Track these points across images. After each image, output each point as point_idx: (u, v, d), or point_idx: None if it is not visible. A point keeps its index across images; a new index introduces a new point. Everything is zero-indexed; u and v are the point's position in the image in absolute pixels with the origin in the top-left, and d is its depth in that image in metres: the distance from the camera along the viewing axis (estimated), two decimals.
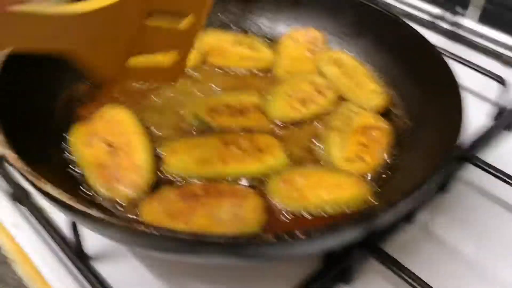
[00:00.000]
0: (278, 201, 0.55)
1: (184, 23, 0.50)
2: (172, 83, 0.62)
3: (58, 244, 0.57)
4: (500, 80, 0.80)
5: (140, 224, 0.39)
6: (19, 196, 0.62)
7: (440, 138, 0.55)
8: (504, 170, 0.65)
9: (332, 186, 0.56)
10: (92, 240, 0.56)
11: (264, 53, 0.78)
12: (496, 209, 0.66)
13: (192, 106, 0.67)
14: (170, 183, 0.57)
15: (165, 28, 0.50)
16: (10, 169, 0.65)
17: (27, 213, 0.61)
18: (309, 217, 0.55)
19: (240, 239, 0.39)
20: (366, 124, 0.65)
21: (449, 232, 0.62)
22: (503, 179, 0.64)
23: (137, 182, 0.56)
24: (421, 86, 0.67)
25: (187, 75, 0.74)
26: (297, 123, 0.67)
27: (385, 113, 0.69)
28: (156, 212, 0.51)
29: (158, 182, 0.57)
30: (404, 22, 0.74)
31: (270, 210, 0.55)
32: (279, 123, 0.66)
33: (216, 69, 0.76)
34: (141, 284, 0.55)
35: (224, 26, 0.83)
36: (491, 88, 0.81)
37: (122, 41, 0.47)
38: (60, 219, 0.59)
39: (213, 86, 0.73)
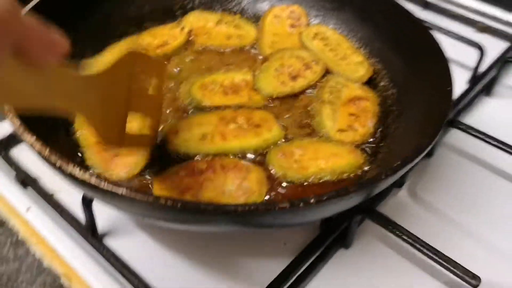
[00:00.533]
0: (279, 173, 0.58)
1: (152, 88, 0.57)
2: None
3: (71, 224, 0.59)
4: (477, 46, 0.83)
5: (165, 199, 0.41)
6: (29, 181, 0.63)
7: (430, 105, 0.58)
8: (485, 132, 0.69)
9: (329, 155, 0.59)
10: (103, 218, 0.59)
11: (248, 31, 0.80)
12: (478, 170, 0.70)
13: (185, 86, 0.68)
14: (176, 161, 0.59)
15: (142, 90, 0.56)
16: (18, 157, 0.66)
17: (37, 197, 0.62)
18: (309, 185, 0.58)
19: (258, 207, 0.41)
20: (354, 96, 0.68)
21: (435, 194, 0.66)
22: (486, 140, 0.69)
23: (131, 164, 0.58)
24: (404, 55, 0.70)
25: (177, 56, 0.76)
26: (288, 97, 0.69)
27: (371, 84, 0.72)
28: (167, 188, 0.54)
29: (166, 160, 0.59)
30: None
31: (272, 181, 0.58)
32: (270, 98, 0.68)
33: (202, 48, 0.78)
34: (150, 255, 0.57)
35: (207, 6, 0.84)
36: (468, 55, 0.85)
37: (120, 102, 0.52)
38: (70, 200, 0.61)
39: (203, 66, 0.74)
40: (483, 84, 0.85)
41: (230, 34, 0.79)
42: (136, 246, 0.58)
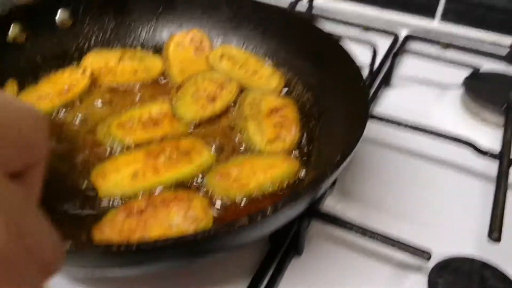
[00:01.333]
0: (220, 195, 0.57)
1: None
2: None
3: None
4: (370, 45, 0.89)
5: (116, 245, 0.38)
6: None
7: (348, 102, 0.60)
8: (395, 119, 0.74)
9: (265, 168, 0.59)
10: None
11: (153, 62, 0.78)
12: (395, 155, 0.75)
13: (102, 129, 0.65)
14: (110, 207, 0.55)
15: None
16: None
17: None
18: (253, 200, 0.57)
19: (218, 230, 0.40)
20: (273, 107, 0.69)
21: (364, 186, 0.69)
22: (399, 124, 0.73)
23: None
24: (311, 60, 0.72)
25: (84, 100, 0.72)
26: (210, 120, 0.68)
27: (287, 92, 0.74)
28: (109, 235, 0.50)
29: (100, 211, 0.55)
30: (276, 7, 0.80)
31: (216, 203, 0.56)
32: (194, 124, 0.67)
33: (109, 88, 0.74)
34: None
35: (104, 44, 0.81)
36: (361, 54, 0.90)
37: None
38: None
39: (115, 106, 0.71)
40: (380, 77, 0.91)
41: (135, 69, 0.76)
42: None
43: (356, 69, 0.62)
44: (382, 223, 0.62)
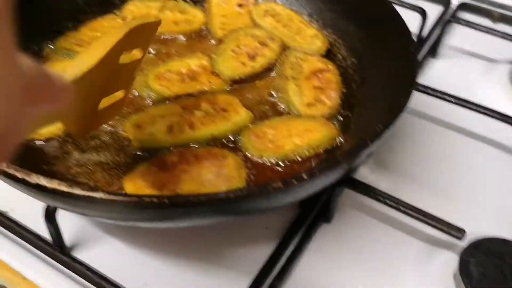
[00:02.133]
0: (255, 155, 0.56)
1: (132, 58, 0.48)
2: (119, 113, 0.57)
3: (34, 243, 0.54)
4: (419, 10, 0.84)
5: (148, 196, 0.38)
6: None
7: (394, 69, 0.58)
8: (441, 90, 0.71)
9: (302, 131, 0.58)
10: (68, 230, 0.55)
11: (195, 15, 0.76)
12: (438, 128, 0.72)
13: (140, 78, 0.64)
14: (143, 158, 0.55)
15: (131, 64, 0.48)
16: None
17: None
18: (288, 164, 0.56)
19: (253, 191, 0.39)
20: (315, 68, 0.67)
21: (402, 155, 0.67)
22: (444, 98, 0.70)
23: None
24: (358, 23, 0.69)
25: None
26: (250, 78, 0.67)
27: (330, 55, 0.71)
28: (142, 187, 0.50)
29: (133, 162, 0.55)
30: None
31: (249, 164, 0.56)
32: (233, 81, 0.66)
33: None
34: (127, 261, 0.54)
35: None
36: (409, 20, 0.87)
37: (96, 96, 0.44)
38: (29, 216, 0.55)
39: (153, 54, 0.70)
40: (428, 47, 0.87)
41: (176, 19, 0.75)
42: (110, 254, 0.54)
43: (408, 35, 0.59)
44: (417, 196, 0.60)
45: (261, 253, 0.54)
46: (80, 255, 0.53)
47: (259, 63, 0.67)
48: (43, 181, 0.39)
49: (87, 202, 0.38)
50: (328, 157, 0.56)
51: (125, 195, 0.37)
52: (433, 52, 0.87)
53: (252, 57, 0.68)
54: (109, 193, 0.38)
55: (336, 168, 0.42)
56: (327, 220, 0.58)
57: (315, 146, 0.57)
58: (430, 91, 0.71)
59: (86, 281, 0.51)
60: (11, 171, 0.40)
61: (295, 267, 0.54)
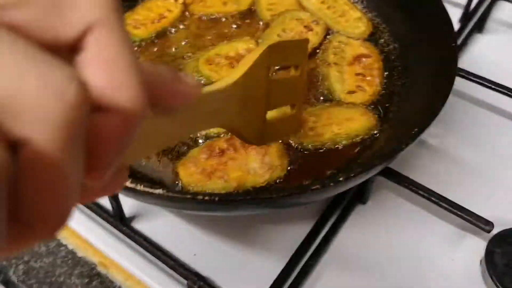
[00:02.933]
0: (295, 142, 0.60)
1: (295, 72, 0.52)
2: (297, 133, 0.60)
3: (98, 213, 0.60)
4: None
5: (202, 195, 0.43)
6: None
7: (435, 60, 0.59)
8: (482, 75, 0.71)
9: (342, 120, 0.61)
10: (128, 203, 0.60)
11: None
12: (480, 113, 0.72)
13: (191, 63, 0.68)
14: (195, 143, 0.60)
15: (284, 79, 0.52)
16: None
17: None
18: (326, 151, 0.60)
19: (293, 192, 0.44)
20: (358, 54, 0.69)
21: (439, 141, 0.68)
22: (484, 84, 0.70)
23: None
24: (403, 8, 0.70)
25: (175, 30, 0.75)
26: None
27: (372, 40, 0.72)
28: (194, 173, 0.55)
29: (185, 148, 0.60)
30: None
31: (290, 151, 0.59)
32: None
33: (199, 18, 0.76)
34: (179, 233, 0.59)
35: None
36: None
37: (259, 100, 0.47)
38: None
39: (203, 38, 0.73)
40: (474, 21, 0.86)
41: (225, 0, 0.77)
42: (164, 226, 0.60)
43: (449, 27, 0.60)
44: (451, 183, 0.63)
45: (300, 231, 0.58)
46: (138, 225, 0.60)
47: None
48: None
49: (148, 196, 0.44)
50: (364, 150, 0.59)
51: (181, 192, 0.42)
52: (479, 27, 0.86)
53: None
54: (168, 190, 0.43)
55: (370, 170, 0.46)
56: (362, 201, 0.62)
57: (353, 136, 0.60)
58: (474, 77, 0.71)
59: (143, 248, 0.58)
60: None
61: (331, 244, 0.59)
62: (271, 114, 0.50)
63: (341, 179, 0.44)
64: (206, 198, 0.43)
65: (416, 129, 0.49)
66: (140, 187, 0.43)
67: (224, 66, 0.67)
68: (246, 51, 0.69)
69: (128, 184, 0.43)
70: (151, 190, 0.43)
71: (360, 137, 0.60)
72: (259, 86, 0.46)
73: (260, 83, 0.46)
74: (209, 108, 0.38)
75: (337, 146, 0.60)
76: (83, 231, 0.60)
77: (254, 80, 0.44)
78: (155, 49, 0.71)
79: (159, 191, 0.43)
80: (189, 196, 0.43)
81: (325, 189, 0.44)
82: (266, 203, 0.45)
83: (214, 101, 0.39)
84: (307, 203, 0.56)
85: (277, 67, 0.60)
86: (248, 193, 0.44)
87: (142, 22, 0.73)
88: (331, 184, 0.44)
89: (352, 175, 0.45)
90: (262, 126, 0.49)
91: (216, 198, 0.43)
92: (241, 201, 0.43)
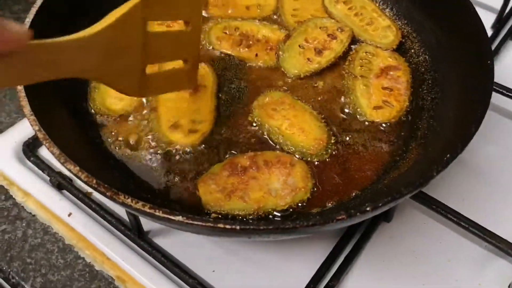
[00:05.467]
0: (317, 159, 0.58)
1: (182, 27, 0.53)
2: (189, 89, 0.62)
3: (115, 226, 0.59)
4: None
5: (222, 221, 0.41)
6: (64, 184, 0.63)
7: (469, 77, 0.57)
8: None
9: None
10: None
11: (265, 0, 0.76)
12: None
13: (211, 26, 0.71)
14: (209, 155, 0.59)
15: (167, 34, 0.54)
16: (47, 156, 0.66)
17: (76, 200, 0.62)
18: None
19: (317, 222, 0.42)
20: (386, 65, 0.66)
21: (477, 159, 0.66)
22: None
23: None
24: (435, 15, 0.67)
25: None
26: (316, 74, 0.67)
27: (401, 50, 0.70)
28: (214, 191, 0.54)
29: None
30: None
31: (316, 173, 0.57)
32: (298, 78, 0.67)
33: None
34: (198, 250, 0.58)
35: None
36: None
37: (132, 53, 0.48)
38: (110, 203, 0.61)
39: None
40: (508, 27, 0.82)
41: (249, 3, 0.75)
42: (183, 242, 0.59)
43: (484, 38, 0.57)
44: (485, 198, 0.61)
45: (322, 250, 0.57)
46: (156, 240, 0.59)
47: (326, 58, 0.67)
48: (129, 201, 0.43)
49: (167, 222, 0.43)
50: (390, 170, 0.57)
51: (201, 219, 0.41)
52: None
53: (319, 52, 0.68)
54: (187, 217, 0.41)
55: (398, 199, 0.44)
56: (387, 219, 0.60)
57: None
58: (506, 91, 0.68)
59: (161, 264, 0.57)
60: (102, 189, 0.44)
61: (354, 264, 0.57)
62: (162, 67, 0.53)
63: (368, 208, 0.42)
64: (227, 226, 0.41)
65: (448, 155, 0.46)
66: (159, 213, 0.42)
67: (230, 41, 0.68)
68: (265, 38, 0.69)
69: (147, 209, 0.42)
70: (171, 217, 0.42)
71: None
72: (131, 39, 0.47)
73: (133, 37, 0.47)
74: (59, 56, 0.41)
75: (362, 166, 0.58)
76: (101, 244, 0.59)
77: (123, 33, 0.46)
78: None
79: (178, 218, 0.41)
80: (209, 224, 0.41)
81: (350, 219, 0.42)
82: (289, 232, 0.43)
83: (66, 50, 0.41)
84: (332, 229, 0.54)
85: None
86: (270, 222, 0.42)
87: None
88: (358, 214, 0.42)
89: (379, 204, 0.43)
90: (141, 79, 0.50)
91: (238, 227, 0.41)
92: (263, 230, 0.41)
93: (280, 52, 0.68)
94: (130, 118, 0.62)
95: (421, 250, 0.58)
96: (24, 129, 0.68)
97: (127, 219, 0.58)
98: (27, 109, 0.49)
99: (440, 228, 0.60)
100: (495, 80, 0.66)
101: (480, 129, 0.66)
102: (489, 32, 0.80)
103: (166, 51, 0.52)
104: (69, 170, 0.45)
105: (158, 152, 0.59)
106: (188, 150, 0.59)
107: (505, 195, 0.62)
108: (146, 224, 0.59)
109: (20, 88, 0.50)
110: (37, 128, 0.48)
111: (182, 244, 0.59)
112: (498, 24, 0.82)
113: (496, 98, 0.69)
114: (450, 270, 0.57)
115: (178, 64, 0.55)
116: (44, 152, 0.66)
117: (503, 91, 0.68)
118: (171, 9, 0.50)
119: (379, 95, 0.63)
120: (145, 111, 0.62)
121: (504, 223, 0.56)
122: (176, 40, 0.53)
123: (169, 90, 0.58)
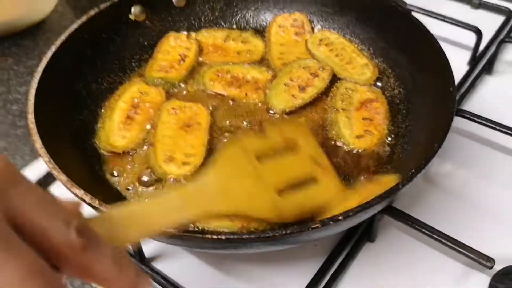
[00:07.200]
0: None
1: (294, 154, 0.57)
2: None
3: None
4: (475, 30, 0.87)
5: (209, 232, 0.47)
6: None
7: (436, 106, 0.63)
8: (487, 117, 0.73)
9: None
10: (148, 243, 0.63)
11: (256, 45, 0.83)
12: (486, 153, 0.74)
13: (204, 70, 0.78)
14: None
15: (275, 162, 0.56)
16: (57, 193, 0.70)
17: None
18: None
19: (293, 230, 0.47)
20: (365, 99, 0.72)
21: (452, 180, 0.70)
22: (489, 126, 0.72)
23: None
24: (407, 53, 0.74)
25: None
26: (300, 109, 0.73)
27: (379, 83, 0.76)
28: None
29: None
30: None
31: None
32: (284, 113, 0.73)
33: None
34: (200, 275, 0.62)
35: (212, 24, 0.87)
36: (466, 36, 0.89)
37: (249, 186, 0.52)
38: None
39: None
40: (483, 63, 0.89)
41: (239, 49, 0.82)
42: (185, 267, 0.62)
43: (448, 74, 0.63)
44: (460, 216, 0.65)
45: (310, 266, 0.60)
46: (159, 266, 0.62)
47: (309, 94, 0.74)
48: None
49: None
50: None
51: (191, 231, 0.46)
52: (489, 68, 0.89)
53: (302, 89, 0.74)
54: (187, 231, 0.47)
55: (368, 209, 0.49)
56: (370, 239, 0.64)
57: None
58: (477, 119, 0.73)
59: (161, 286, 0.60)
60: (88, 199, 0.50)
61: (340, 282, 0.60)
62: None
63: (340, 217, 0.47)
64: (214, 237, 0.46)
65: (412, 171, 0.51)
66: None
67: (223, 82, 0.75)
68: (254, 79, 0.76)
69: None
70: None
71: None
72: (242, 176, 0.52)
73: (243, 173, 0.52)
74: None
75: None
76: None
77: (227, 176, 0.51)
78: None
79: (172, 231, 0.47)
80: (198, 235, 0.47)
81: (325, 228, 0.47)
82: (269, 241, 0.48)
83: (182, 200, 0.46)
84: (311, 240, 0.58)
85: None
86: (252, 232, 0.47)
87: (170, 66, 0.79)
88: (331, 222, 0.47)
89: (350, 214, 0.48)
90: (276, 202, 0.52)
91: (223, 237, 0.46)
92: (245, 240, 0.47)
93: (268, 91, 0.75)
94: (131, 153, 0.68)
95: (403, 268, 0.61)
96: (37, 168, 0.74)
97: (130, 246, 0.62)
98: (38, 143, 0.56)
99: (421, 246, 0.63)
100: (472, 110, 0.74)
101: (458, 156, 0.73)
102: (466, 68, 0.87)
103: (287, 175, 0.55)
104: (75, 194, 0.51)
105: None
106: (181, 179, 0.65)
107: (476, 212, 0.67)
108: (149, 250, 0.63)
109: (32, 126, 0.57)
110: (47, 159, 0.54)
111: (185, 270, 0.62)
112: (474, 61, 0.88)
113: (480, 129, 0.74)
114: (431, 285, 0.60)
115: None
116: (54, 189, 0.72)
117: (481, 121, 0.73)
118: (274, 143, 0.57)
119: (360, 125, 0.69)
120: (144, 147, 0.69)
121: (477, 238, 0.60)
122: (288, 163, 0.56)
123: (314, 210, 0.56)
